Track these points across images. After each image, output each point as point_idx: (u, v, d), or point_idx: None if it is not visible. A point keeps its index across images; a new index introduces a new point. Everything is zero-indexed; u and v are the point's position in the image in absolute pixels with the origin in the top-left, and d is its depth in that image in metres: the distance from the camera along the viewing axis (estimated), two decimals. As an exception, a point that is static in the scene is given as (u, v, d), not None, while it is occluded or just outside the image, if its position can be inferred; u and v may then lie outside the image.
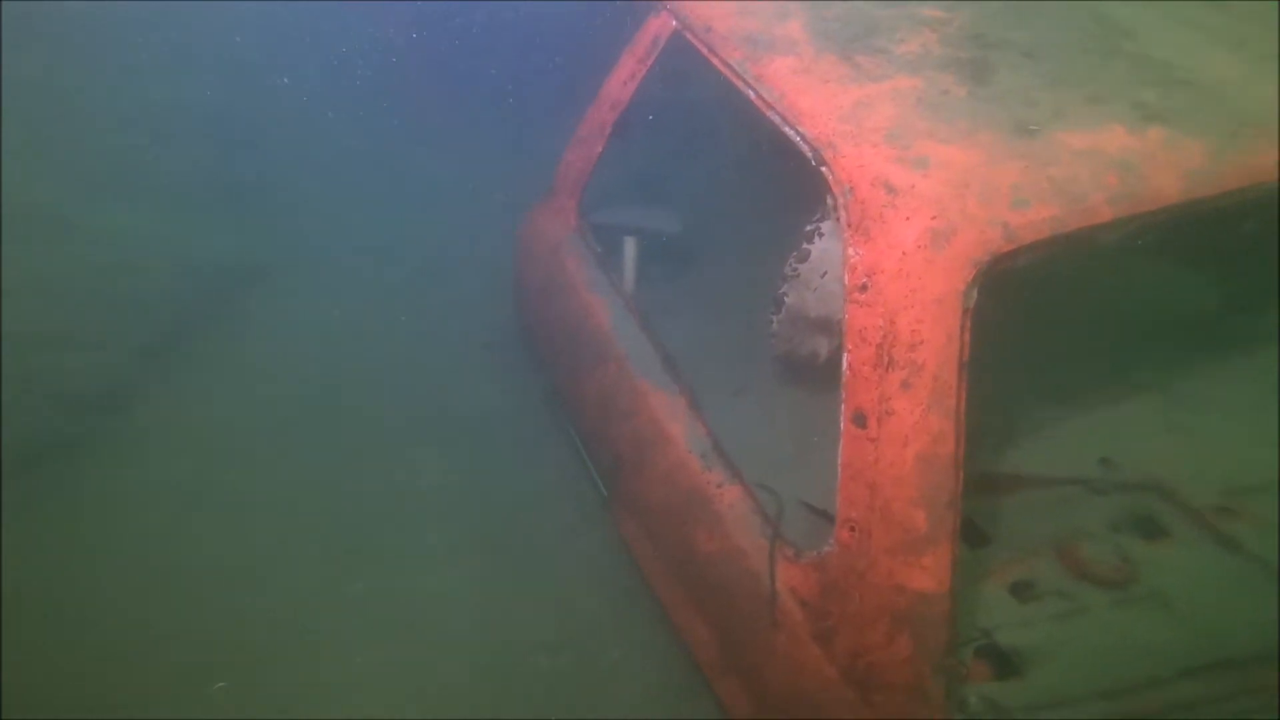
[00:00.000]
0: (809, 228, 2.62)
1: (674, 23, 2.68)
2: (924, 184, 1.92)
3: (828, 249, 2.62)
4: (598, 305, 3.14)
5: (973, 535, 2.60)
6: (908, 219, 1.91)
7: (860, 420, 2.01)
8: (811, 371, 3.07)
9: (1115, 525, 2.65)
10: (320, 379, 4.23)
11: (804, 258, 2.69)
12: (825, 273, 2.68)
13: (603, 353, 3.11)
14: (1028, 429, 3.00)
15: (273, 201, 5.20)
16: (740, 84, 2.37)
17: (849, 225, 2.02)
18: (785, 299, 2.84)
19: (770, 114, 2.26)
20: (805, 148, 2.17)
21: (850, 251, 2.02)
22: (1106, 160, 1.97)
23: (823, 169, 2.13)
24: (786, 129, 2.22)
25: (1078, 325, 3.29)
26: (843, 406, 2.05)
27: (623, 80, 2.85)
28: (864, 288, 1.99)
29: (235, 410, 4.03)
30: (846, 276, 2.03)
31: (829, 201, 2.58)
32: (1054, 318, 3.21)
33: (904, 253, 1.91)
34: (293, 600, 3.27)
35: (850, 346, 2.01)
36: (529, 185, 3.83)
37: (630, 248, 3.49)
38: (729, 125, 3.72)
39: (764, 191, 3.72)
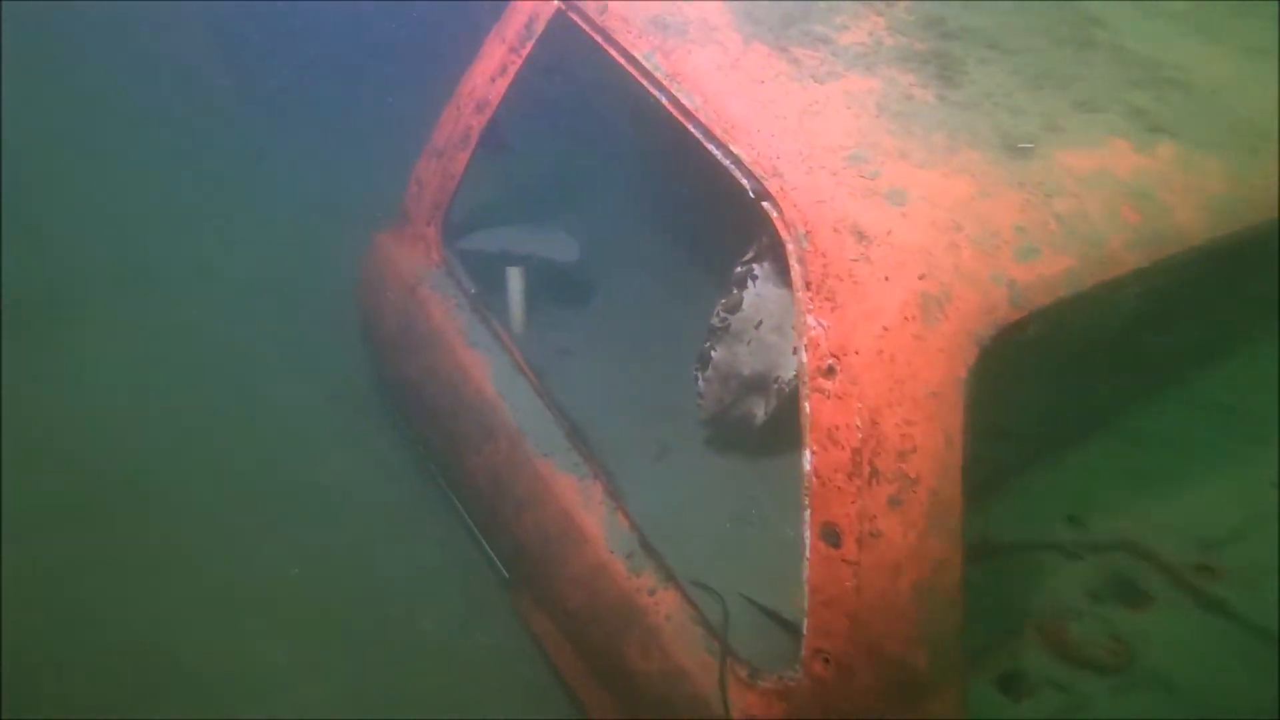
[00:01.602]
0: (739, 269, 2.15)
1: (556, 2, 2.12)
2: (903, 227, 1.47)
3: (763, 294, 2.15)
4: (477, 364, 2.54)
5: None
6: (887, 279, 1.45)
7: (832, 538, 1.57)
8: (747, 435, 2.65)
9: (1095, 594, 2.38)
10: (124, 442, 3.37)
11: (734, 306, 2.21)
12: (760, 323, 2.23)
13: (489, 426, 2.52)
14: (988, 486, 2.71)
15: (57, 214, 4.20)
16: (649, 85, 1.84)
17: (806, 285, 1.55)
18: (712, 354, 2.38)
19: (691, 126, 1.77)
20: (739, 173, 1.68)
21: (810, 321, 1.56)
22: (1118, 188, 1.59)
23: (764, 204, 1.66)
24: (713, 147, 1.73)
25: (1029, 364, 3.04)
26: (806, 514, 1.61)
27: (490, 75, 2.24)
28: (830, 372, 1.54)
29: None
30: (805, 353, 1.57)
31: (764, 240, 2.17)
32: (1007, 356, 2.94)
33: (885, 327, 1.46)
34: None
35: (815, 447, 1.55)
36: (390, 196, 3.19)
37: (514, 282, 2.90)
38: (631, 123, 3.15)
39: (677, 206, 3.23)
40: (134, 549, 3.01)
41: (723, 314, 2.23)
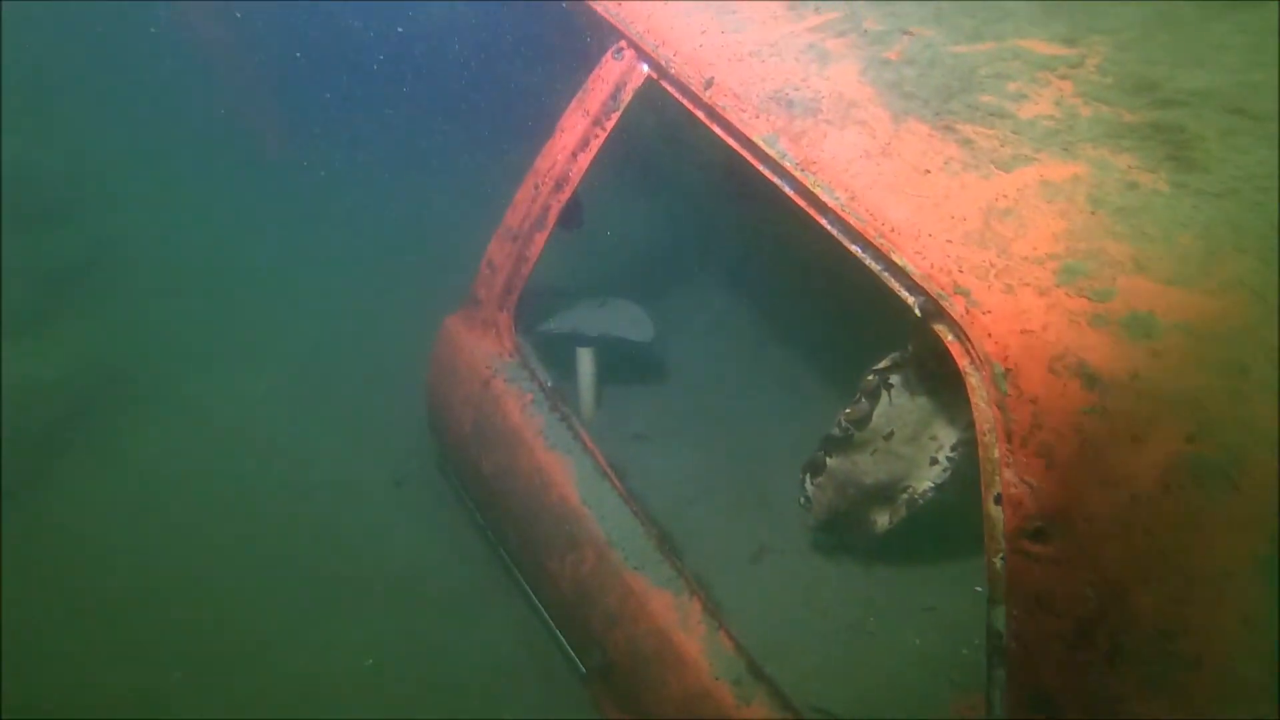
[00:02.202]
0: (870, 378, 1.81)
1: (645, 68, 1.78)
2: (1155, 369, 1.09)
3: (899, 405, 1.81)
4: (558, 469, 2.22)
5: None
6: (1135, 439, 1.10)
7: (1043, 705, 1.21)
8: (862, 540, 2.30)
9: None
10: (185, 530, 3.14)
11: (861, 420, 1.87)
12: (892, 434, 1.88)
13: (573, 535, 2.21)
14: None
15: (128, 291, 3.98)
16: (772, 174, 1.50)
17: (1007, 436, 1.19)
18: (828, 461, 2.03)
19: (832, 225, 1.41)
20: (900, 287, 1.33)
21: (1009, 476, 1.20)
22: None
23: (938, 327, 1.31)
24: (864, 253, 1.36)
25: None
26: (997, 673, 1.25)
27: (570, 150, 1.92)
28: (1041, 535, 1.18)
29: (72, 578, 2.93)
30: (998, 507, 1.21)
31: (906, 352, 1.80)
32: None
33: (1134, 496, 1.11)
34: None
35: (1017, 611, 1.21)
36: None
37: (585, 365, 2.59)
38: (715, 189, 2.82)
39: (768, 283, 2.89)
40: (201, 644, 2.78)
41: (845, 424, 1.89)
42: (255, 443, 3.38)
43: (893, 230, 1.33)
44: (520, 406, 2.34)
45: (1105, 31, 1.57)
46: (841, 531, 2.28)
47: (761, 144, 1.48)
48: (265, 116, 4.12)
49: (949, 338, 1.28)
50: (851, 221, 1.36)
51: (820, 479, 2.05)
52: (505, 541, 2.62)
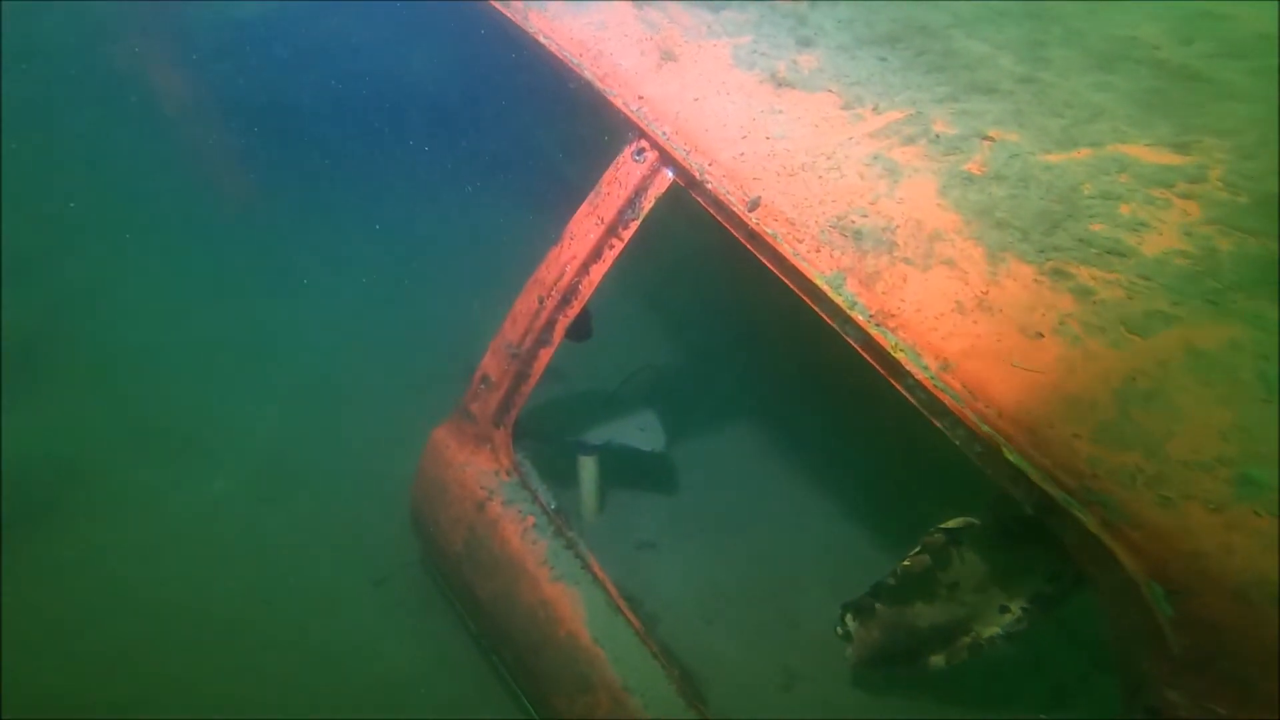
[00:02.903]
0: (935, 535, 1.53)
1: (671, 174, 1.47)
2: None
3: (969, 560, 1.53)
4: (566, 603, 1.91)
5: None
6: None
7: None
8: (908, 675, 2.01)
9: None
10: (149, 637, 2.73)
11: (922, 574, 1.59)
12: (957, 584, 1.59)
13: (586, 677, 1.89)
14: None
15: (73, 371, 3.49)
16: (838, 324, 1.19)
17: (1166, 655, 0.92)
18: (877, 606, 1.75)
19: (920, 402, 1.11)
20: (1015, 488, 1.03)
21: (1172, 696, 0.91)
22: None
23: (1063, 525, 1.03)
24: (965, 442, 1.07)
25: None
26: None
27: (581, 260, 1.60)
28: None
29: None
30: None
31: (988, 515, 1.50)
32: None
33: None
34: None
35: None
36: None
37: (587, 473, 2.26)
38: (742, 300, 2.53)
39: (791, 396, 2.61)
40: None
41: (901, 573, 1.61)
42: (216, 544, 2.96)
43: (1000, 415, 1.04)
44: (520, 531, 2.02)
45: (1220, 133, 1.30)
46: (885, 665, 2.00)
47: (825, 287, 1.17)
48: (225, 175, 3.73)
49: (1074, 538, 1.02)
50: (946, 401, 1.07)
51: (867, 620, 1.78)
52: (504, 662, 2.30)
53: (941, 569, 1.56)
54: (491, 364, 1.89)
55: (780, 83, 1.43)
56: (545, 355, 1.80)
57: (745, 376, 2.88)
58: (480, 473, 2.07)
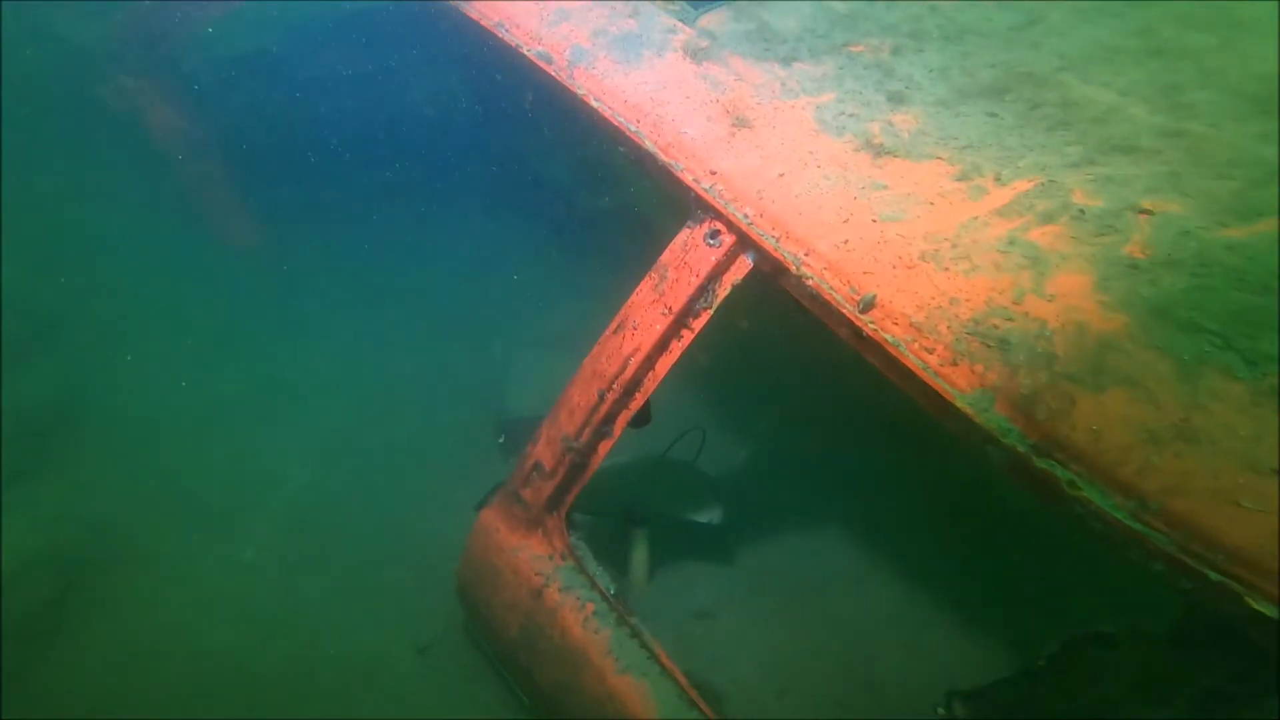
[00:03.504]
0: (1081, 636, 1.34)
1: (751, 261, 1.24)
2: None
3: (1122, 659, 1.34)
4: (636, 697, 1.69)
5: None
6: None
7: None
8: None
9: None
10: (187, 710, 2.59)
11: (1057, 672, 1.40)
12: (1100, 676, 1.40)
13: None
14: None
15: (102, 436, 3.25)
16: (999, 449, 0.96)
17: None
18: (993, 696, 1.55)
19: (1133, 540, 0.88)
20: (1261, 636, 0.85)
21: None
22: None
23: None
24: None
25: None
26: None
27: (645, 351, 1.37)
28: None
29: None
30: None
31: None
32: None
33: None
34: None
35: None
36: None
37: (639, 549, 2.00)
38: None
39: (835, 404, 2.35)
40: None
41: (1032, 674, 1.41)
42: (253, 614, 2.76)
43: (1234, 561, 0.81)
44: (581, 620, 1.82)
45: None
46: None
47: (967, 410, 0.94)
48: (231, 219, 3.49)
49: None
50: (1152, 545, 0.84)
51: (980, 705, 1.59)
52: None
53: (1085, 667, 1.37)
54: (545, 453, 1.68)
55: (879, 150, 1.20)
56: (605, 447, 1.58)
57: (799, 430, 2.63)
58: (534, 557, 1.87)
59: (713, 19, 1.56)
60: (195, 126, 3.30)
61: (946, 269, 1.05)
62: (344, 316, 3.58)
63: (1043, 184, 1.13)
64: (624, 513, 2.03)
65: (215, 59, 3.34)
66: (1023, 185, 1.13)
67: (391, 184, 3.79)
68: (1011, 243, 1.06)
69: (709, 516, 1.98)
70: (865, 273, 1.08)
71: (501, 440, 2.77)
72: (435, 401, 3.16)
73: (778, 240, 1.16)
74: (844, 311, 1.08)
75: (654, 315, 1.36)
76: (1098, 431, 0.91)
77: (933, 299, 1.04)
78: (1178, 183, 1.10)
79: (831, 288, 1.10)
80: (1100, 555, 0.94)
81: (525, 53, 1.52)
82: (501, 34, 1.59)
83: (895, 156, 1.20)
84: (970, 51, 1.45)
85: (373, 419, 3.22)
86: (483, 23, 1.62)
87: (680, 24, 1.54)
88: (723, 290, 1.28)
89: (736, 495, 2.39)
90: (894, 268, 1.07)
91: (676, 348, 1.35)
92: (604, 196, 3.08)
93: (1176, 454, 0.87)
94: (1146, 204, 1.07)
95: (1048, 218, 1.08)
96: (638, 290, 1.42)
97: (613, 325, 1.46)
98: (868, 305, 1.06)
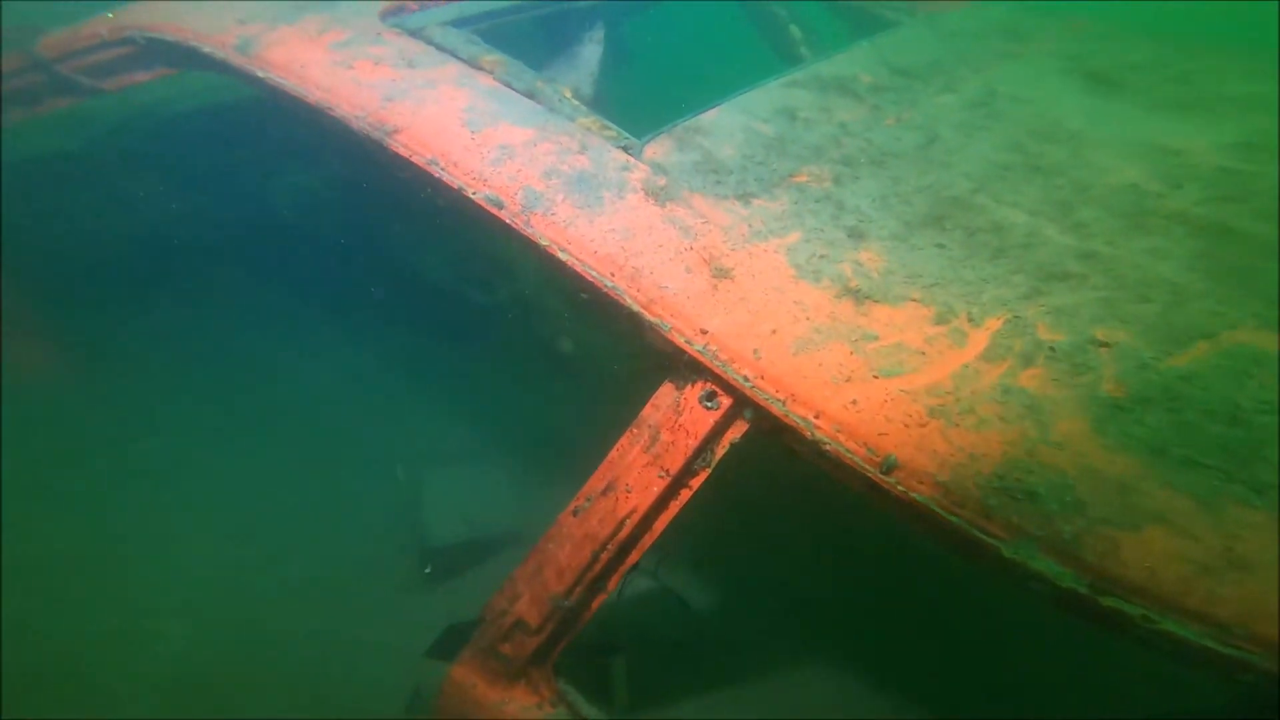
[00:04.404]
0: None
1: (749, 419, 1.18)
2: None
3: None
4: None
5: None
6: None
7: None
8: None
9: None
10: None
11: None
12: None
13: None
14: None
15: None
16: (1030, 588, 0.96)
17: None
18: None
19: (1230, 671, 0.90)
20: None
21: None
22: None
23: None
24: None
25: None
26: None
27: (641, 512, 1.25)
28: None
29: None
30: None
31: None
32: None
33: None
34: None
35: None
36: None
37: (617, 673, 1.84)
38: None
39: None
40: None
41: None
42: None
43: None
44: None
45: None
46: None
47: (1015, 558, 0.94)
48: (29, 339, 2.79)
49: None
50: (1251, 664, 0.88)
51: None
52: None
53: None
54: (529, 611, 1.50)
55: (858, 295, 1.19)
56: (599, 601, 1.46)
57: (769, 553, 2.47)
58: (522, 709, 1.68)
59: (658, 149, 1.50)
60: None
61: (956, 424, 1.06)
62: (203, 452, 2.99)
63: (1009, 321, 1.18)
64: (596, 640, 1.88)
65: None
66: (993, 324, 1.18)
67: (240, 299, 3.29)
68: (1006, 392, 1.09)
69: (682, 634, 1.88)
70: (880, 434, 1.06)
71: (428, 570, 2.50)
72: (334, 535, 2.75)
73: (785, 404, 1.11)
74: (867, 474, 1.05)
75: (649, 477, 1.26)
76: (1151, 569, 0.94)
77: (951, 456, 1.04)
78: (1114, 309, 1.20)
79: (849, 450, 1.07)
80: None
81: (472, 196, 1.36)
82: (437, 172, 1.41)
83: (875, 301, 1.20)
84: (898, 177, 1.50)
85: (261, 561, 2.71)
86: (414, 159, 1.42)
87: (631, 158, 1.45)
88: (721, 449, 1.21)
89: (715, 608, 2.25)
90: (906, 426, 1.06)
91: (675, 506, 1.27)
92: (497, 290, 2.87)
93: (1237, 582, 0.92)
94: (1100, 334, 1.15)
95: (1027, 360, 1.13)
96: (619, 447, 1.31)
97: (600, 485, 1.33)
98: (890, 467, 1.05)
